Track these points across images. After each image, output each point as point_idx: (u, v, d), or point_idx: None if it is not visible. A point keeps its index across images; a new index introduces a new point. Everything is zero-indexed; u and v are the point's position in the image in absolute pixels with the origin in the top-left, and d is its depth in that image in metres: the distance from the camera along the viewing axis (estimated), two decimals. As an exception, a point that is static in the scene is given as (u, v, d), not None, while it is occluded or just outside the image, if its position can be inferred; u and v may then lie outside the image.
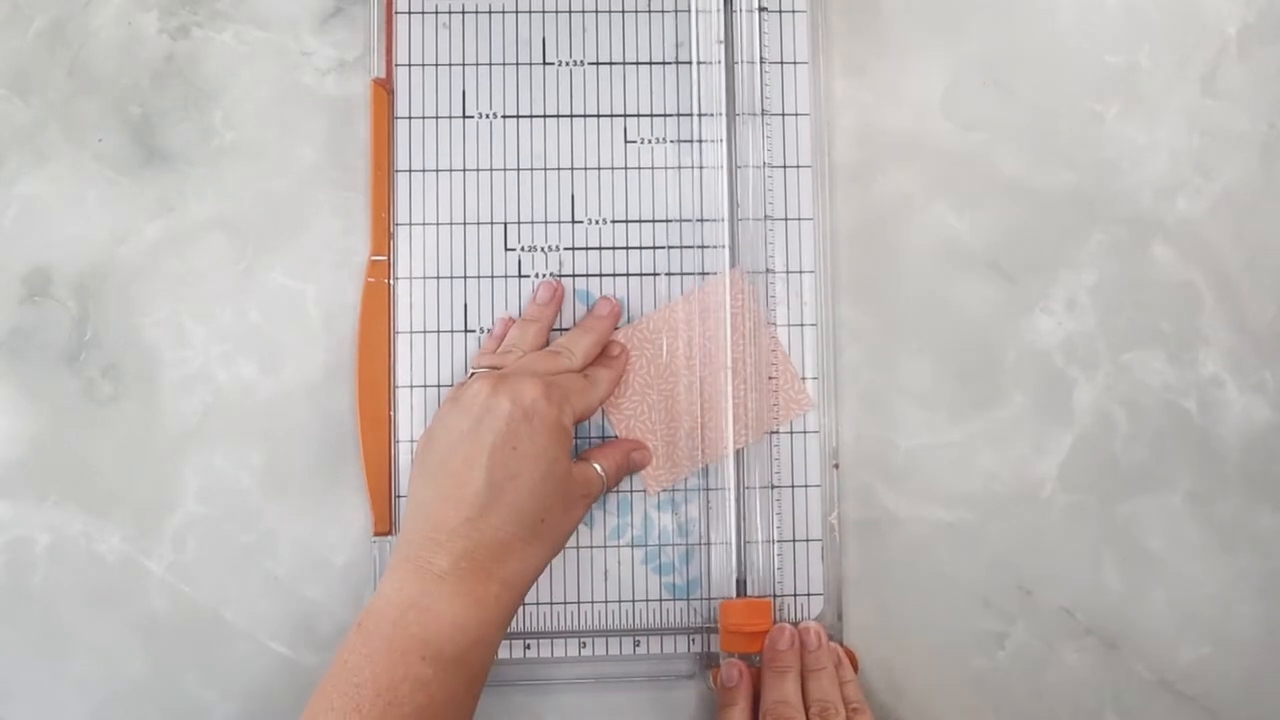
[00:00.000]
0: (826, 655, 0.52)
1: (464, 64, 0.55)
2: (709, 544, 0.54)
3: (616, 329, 0.54)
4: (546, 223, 0.55)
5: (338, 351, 0.54)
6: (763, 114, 0.55)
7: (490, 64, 0.55)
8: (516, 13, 0.55)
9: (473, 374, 0.50)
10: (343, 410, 0.54)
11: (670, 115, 0.55)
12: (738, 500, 0.54)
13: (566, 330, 0.54)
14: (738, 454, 0.54)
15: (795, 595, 0.54)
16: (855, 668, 0.53)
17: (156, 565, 0.53)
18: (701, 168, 0.55)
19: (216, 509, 0.53)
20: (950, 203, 0.56)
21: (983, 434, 0.56)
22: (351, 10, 0.56)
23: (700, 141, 0.55)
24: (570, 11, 0.55)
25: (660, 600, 0.54)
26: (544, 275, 0.54)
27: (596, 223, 0.55)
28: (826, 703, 0.50)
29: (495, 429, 0.46)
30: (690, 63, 0.55)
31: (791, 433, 0.54)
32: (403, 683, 0.42)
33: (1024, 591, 0.55)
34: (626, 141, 0.55)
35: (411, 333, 0.54)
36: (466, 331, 0.54)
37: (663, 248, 0.55)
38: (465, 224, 0.54)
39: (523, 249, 0.54)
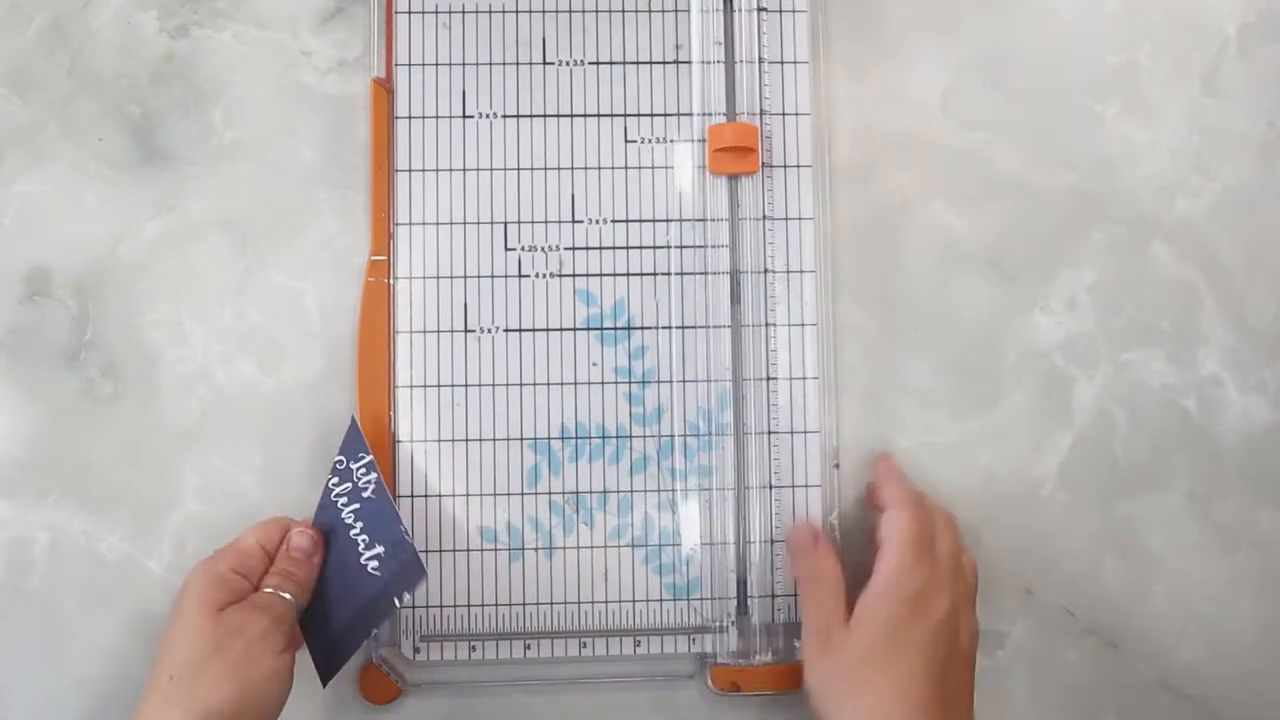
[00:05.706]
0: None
1: (464, 64, 0.55)
2: (709, 544, 0.54)
3: None
4: (546, 223, 0.55)
5: (337, 351, 0.54)
6: (762, 113, 0.55)
7: (490, 64, 0.55)
8: (516, 13, 0.55)
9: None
10: (342, 410, 0.54)
11: (670, 115, 0.55)
12: (738, 500, 0.54)
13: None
14: (738, 454, 0.54)
15: (797, 595, 0.54)
16: None
17: (156, 564, 0.53)
18: (702, 168, 0.55)
19: (216, 508, 0.53)
20: (950, 202, 0.56)
21: (983, 433, 0.56)
22: (351, 10, 0.56)
23: (700, 141, 0.55)
24: (570, 11, 0.55)
25: (660, 600, 0.54)
26: (544, 275, 0.54)
27: (596, 223, 0.55)
28: None
29: None
30: (690, 63, 0.55)
31: (792, 433, 0.54)
32: None
33: (1024, 591, 0.55)
34: (626, 141, 0.55)
35: (411, 333, 0.54)
36: (466, 331, 0.54)
37: (663, 248, 0.55)
38: (465, 224, 0.54)
39: (523, 249, 0.54)
